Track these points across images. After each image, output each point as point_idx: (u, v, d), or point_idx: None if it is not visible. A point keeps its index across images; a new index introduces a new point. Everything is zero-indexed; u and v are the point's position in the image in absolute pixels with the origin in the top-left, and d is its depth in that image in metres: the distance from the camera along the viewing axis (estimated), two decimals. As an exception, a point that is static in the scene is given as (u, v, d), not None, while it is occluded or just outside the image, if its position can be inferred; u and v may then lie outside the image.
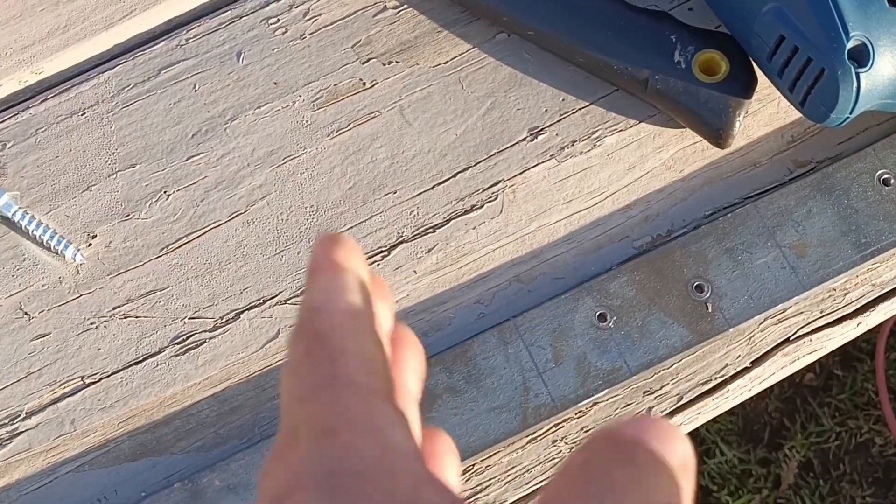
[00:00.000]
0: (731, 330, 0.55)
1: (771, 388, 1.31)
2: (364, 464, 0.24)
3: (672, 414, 0.55)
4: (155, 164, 0.59)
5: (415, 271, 0.57)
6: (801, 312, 0.57)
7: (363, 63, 0.61)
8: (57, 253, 0.57)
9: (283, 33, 0.61)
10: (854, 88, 0.51)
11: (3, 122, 0.60)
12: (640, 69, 0.57)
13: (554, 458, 0.54)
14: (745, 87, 0.56)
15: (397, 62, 0.61)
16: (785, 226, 0.56)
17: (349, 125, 0.60)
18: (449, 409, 0.53)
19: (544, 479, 0.54)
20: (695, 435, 1.27)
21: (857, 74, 0.51)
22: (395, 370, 0.30)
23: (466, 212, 0.58)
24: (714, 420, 1.28)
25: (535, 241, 0.58)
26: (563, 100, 0.60)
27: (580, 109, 0.60)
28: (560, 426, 0.55)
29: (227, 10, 0.62)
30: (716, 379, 0.56)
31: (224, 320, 0.56)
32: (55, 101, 0.60)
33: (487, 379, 0.54)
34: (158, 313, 0.56)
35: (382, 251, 0.57)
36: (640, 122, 0.59)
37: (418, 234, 0.58)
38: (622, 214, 0.58)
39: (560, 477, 0.25)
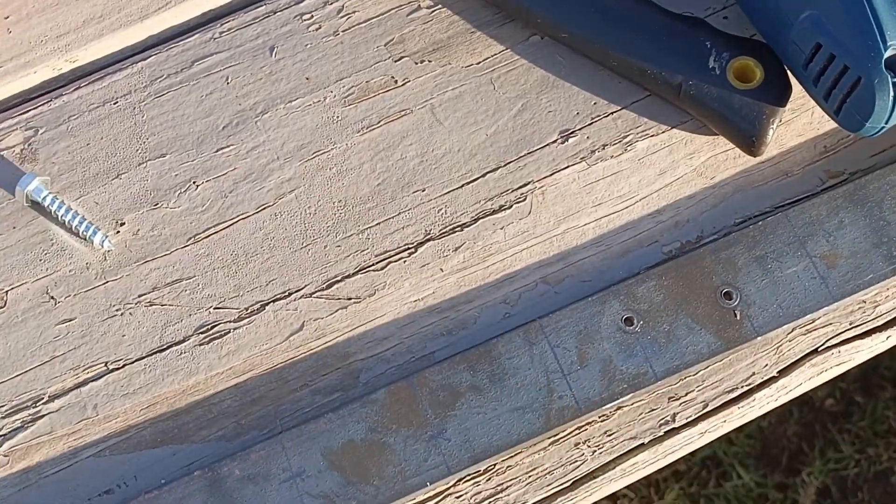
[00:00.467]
0: (758, 338, 0.54)
1: (790, 412, 1.30)
2: None
3: (697, 421, 0.55)
4: (185, 155, 0.59)
5: (441, 269, 0.57)
6: (830, 323, 0.56)
7: (395, 61, 0.61)
8: (85, 239, 0.57)
9: (317, 29, 0.62)
10: (891, 98, 0.51)
11: (36, 108, 0.60)
12: (674, 74, 0.57)
13: (576, 461, 0.54)
14: (780, 95, 0.56)
15: (430, 61, 0.61)
16: (816, 236, 0.56)
17: (379, 122, 0.60)
18: (472, 407, 0.53)
19: (566, 482, 0.54)
20: (712, 457, 1.26)
21: (894, 84, 0.51)
22: None
23: (495, 212, 0.58)
24: (732, 442, 1.27)
25: (563, 242, 0.57)
26: (594, 103, 0.60)
27: (612, 113, 0.59)
28: (583, 429, 0.54)
29: (261, 5, 0.62)
30: (742, 387, 0.55)
31: (249, 311, 0.56)
32: (88, 90, 0.60)
33: (511, 379, 0.53)
34: (184, 302, 0.56)
35: (409, 248, 0.57)
36: (672, 127, 0.59)
37: (446, 232, 0.58)
38: (651, 219, 0.58)
39: None
